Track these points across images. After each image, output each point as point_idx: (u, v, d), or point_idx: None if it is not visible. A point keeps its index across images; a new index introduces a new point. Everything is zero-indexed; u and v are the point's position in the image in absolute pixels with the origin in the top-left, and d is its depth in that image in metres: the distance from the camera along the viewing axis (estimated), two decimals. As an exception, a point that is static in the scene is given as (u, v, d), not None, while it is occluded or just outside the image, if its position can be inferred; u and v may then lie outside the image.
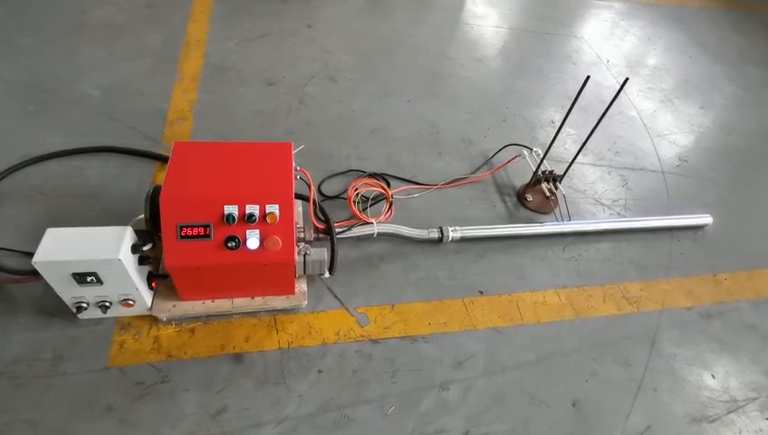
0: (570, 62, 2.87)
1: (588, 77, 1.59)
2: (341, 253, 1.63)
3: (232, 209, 1.26)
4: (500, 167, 2.06)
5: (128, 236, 1.23)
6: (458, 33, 3.01)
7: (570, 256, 1.80)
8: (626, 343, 1.57)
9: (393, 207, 1.75)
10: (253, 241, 1.27)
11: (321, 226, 1.55)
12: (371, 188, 1.76)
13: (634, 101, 2.66)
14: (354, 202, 1.69)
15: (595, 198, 2.05)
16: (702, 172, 2.28)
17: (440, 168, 2.06)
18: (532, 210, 1.94)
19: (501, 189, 2.02)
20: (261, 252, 1.28)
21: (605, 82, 2.75)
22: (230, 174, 1.31)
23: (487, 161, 2.12)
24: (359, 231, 1.62)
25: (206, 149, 1.38)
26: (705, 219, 1.96)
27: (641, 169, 2.23)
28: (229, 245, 1.25)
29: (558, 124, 1.76)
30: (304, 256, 1.40)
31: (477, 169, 2.07)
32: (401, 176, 1.98)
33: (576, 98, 1.64)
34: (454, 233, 1.72)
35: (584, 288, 1.70)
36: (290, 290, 1.46)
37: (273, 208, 1.28)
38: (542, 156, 1.96)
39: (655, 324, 1.63)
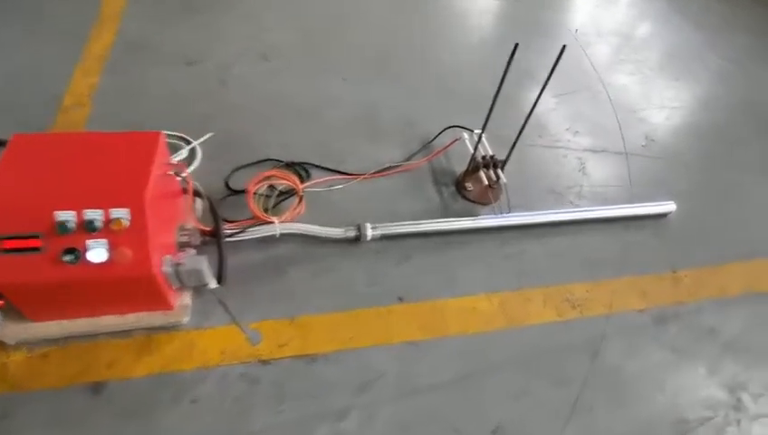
0: (536, 32, 2.59)
1: (515, 46, 1.35)
2: (240, 258, 1.42)
3: (67, 216, 1.04)
4: (437, 152, 1.83)
5: (-63, 251, 1.02)
6: (419, 7, 2.72)
7: (509, 253, 1.58)
8: (564, 356, 1.36)
9: (304, 202, 1.53)
10: (96, 253, 1.05)
11: (208, 228, 1.34)
12: (281, 180, 1.54)
13: (602, 75, 2.40)
14: (257, 198, 1.47)
15: (547, 185, 1.83)
16: (671, 153, 2.04)
17: (372, 154, 1.83)
18: (472, 201, 1.71)
19: (438, 178, 1.79)
20: (109, 265, 1.07)
21: (570, 53, 2.48)
22: (71, 173, 1.09)
23: (425, 146, 1.88)
24: (256, 232, 1.41)
25: (51, 143, 1.16)
26: (668, 207, 1.74)
27: (602, 151, 2.00)
28: (66, 258, 1.04)
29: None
30: (176, 265, 1.19)
31: (413, 156, 1.84)
32: (325, 165, 1.75)
33: (505, 73, 1.40)
34: (373, 231, 1.50)
35: (522, 291, 1.49)
36: (166, 305, 1.25)
37: (121, 213, 1.06)
38: (482, 138, 1.73)
39: (600, 332, 1.43)
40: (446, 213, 1.67)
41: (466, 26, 2.61)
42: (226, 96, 2.00)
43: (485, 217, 1.61)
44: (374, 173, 1.74)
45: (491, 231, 1.62)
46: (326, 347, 1.30)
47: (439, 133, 1.89)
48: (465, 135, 1.80)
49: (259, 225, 1.41)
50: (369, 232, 1.50)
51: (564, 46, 1.30)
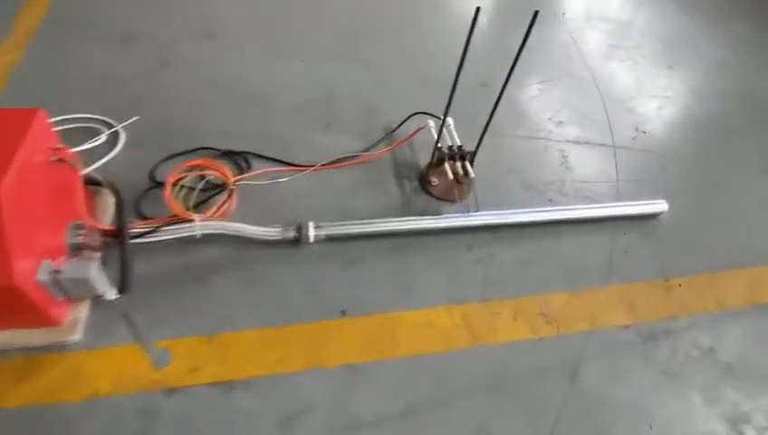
0: (525, 17, 2.38)
1: (476, 11, 1.13)
2: (155, 263, 1.20)
3: None
4: (400, 142, 1.61)
5: None
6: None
7: (477, 258, 1.37)
8: (537, 381, 1.15)
9: (236, 197, 1.31)
10: (-66, 258, 0.83)
11: (109, 227, 1.11)
12: (209, 171, 1.32)
13: (590, 62, 2.19)
14: (177, 191, 1.25)
15: (523, 180, 1.62)
16: (663, 146, 1.84)
17: (328, 144, 1.61)
18: (437, 198, 1.50)
19: (401, 172, 1.58)
20: (-46, 274, 0.84)
21: (555, 38, 2.28)
22: None
23: (388, 135, 1.66)
24: (173, 232, 1.18)
25: None
26: (659, 206, 1.53)
27: (587, 143, 1.79)
28: None
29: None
30: (55, 273, 0.96)
31: (373, 146, 1.62)
32: (270, 155, 1.53)
33: (467, 44, 1.18)
34: (317, 231, 1.28)
35: (490, 303, 1.28)
36: (49, 320, 1.02)
37: (-34, 208, 0.83)
38: (450, 125, 1.52)
39: (579, 352, 1.21)
40: (407, 211, 1.45)
41: (448, 10, 2.39)
42: (165, 77, 1.77)
43: (450, 215, 1.40)
44: (326, 165, 1.52)
45: (456, 232, 1.41)
46: (248, 371, 1.08)
47: (405, 120, 1.67)
48: (432, 123, 1.59)
49: (176, 223, 1.19)
50: (312, 232, 1.28)
51: (537, 12, 1.08)
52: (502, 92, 1.28)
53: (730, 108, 2.06)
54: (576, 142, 1.78)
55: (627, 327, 1.28)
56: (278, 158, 1.52)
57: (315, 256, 1.30)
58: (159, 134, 1.53)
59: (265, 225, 1.28)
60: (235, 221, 1.26)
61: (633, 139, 1.84)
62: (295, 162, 1.52)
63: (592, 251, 1.44)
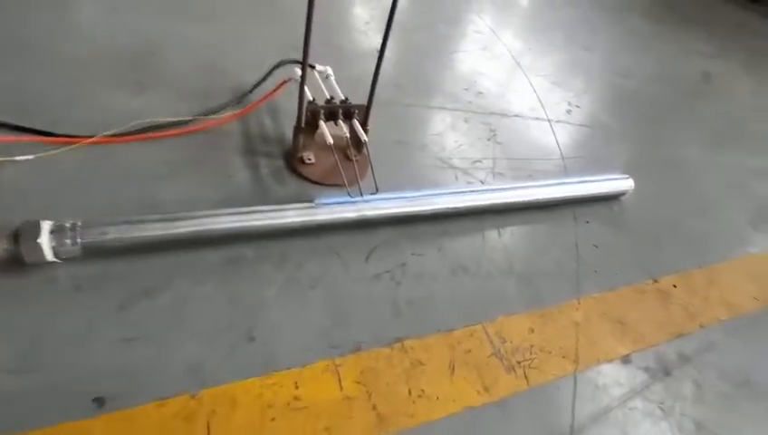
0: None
1: None
2: None
3: None
4: (256, 103, 1.04)
5: None
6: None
7: (379, 270, 0.81)
8: (504, 490, 0.59)
9: None
10: None
11: None
12: None
13: (502, 38, 1.84)
14: None
15: (442, 157, 1.12)
16: (602, 121, 1.49)
17: (134, 109, 0.98)
18: (315, 182, 0.94)
19: (256, 147, 1.00)
20: None
21: (462, 17, 1.92)
22: None
23: (240, 98, 1.08)
24: None
25: None
26: (624, 183, 1.12)
27: (516, 116, 1.37)
28: None
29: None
30: None
31: (221, 110, 1.03)
32: (6, 120, 0.86)
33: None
34: (60, 239, 0.64)
35: (406, 345, 0.72)
36: None
37: None
38: (329, 76, 1.00)
39: (567, 418, 0.69)
40: (263, 202, 0.86)
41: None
42: None
43: (332, 201, 0.83)
44: (117, 135, 0.89)
45: (343, 231, 0.85)
46: None
47: (267, 75, 1.12)
48: (298, 70, 1.03)
49: None
50: (47, 241, 0.63)
51: None
52: (388, 29, 0.78)
53: (655, 86, 1.82)
54: (504, 115, 1.35)
55: (626, 359, 0.79)
56: (23, 125, 0.86)
57: (63, 288, 0.65)
58: None
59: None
60: None
61: (568, 112, 1.46)
62: (59, 132, 0.87)
63: (551, 248, 0.96)
